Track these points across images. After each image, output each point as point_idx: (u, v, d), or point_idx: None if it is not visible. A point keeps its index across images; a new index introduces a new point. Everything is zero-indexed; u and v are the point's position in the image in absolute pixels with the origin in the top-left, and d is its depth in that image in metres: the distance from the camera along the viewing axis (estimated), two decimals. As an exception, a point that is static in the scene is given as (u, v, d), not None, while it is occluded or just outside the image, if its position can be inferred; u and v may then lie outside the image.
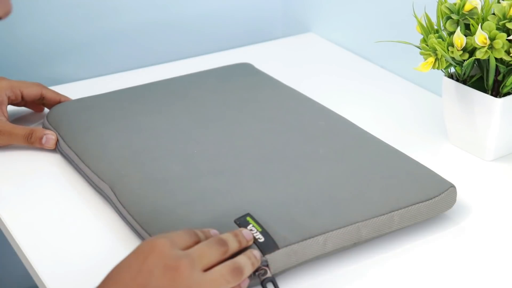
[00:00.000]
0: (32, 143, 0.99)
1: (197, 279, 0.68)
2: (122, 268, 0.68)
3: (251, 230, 0.76)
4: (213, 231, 0.75)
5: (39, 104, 1.08)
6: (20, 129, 0.99)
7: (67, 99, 1.07)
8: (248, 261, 0.72)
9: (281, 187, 0.85)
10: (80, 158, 0.93)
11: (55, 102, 1.06)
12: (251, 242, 0.75)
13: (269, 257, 0.75)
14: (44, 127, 1.01)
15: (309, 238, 0.77)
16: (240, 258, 0.72)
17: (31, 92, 1.04)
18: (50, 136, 0.99)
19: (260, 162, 0.89)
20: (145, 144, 0.93)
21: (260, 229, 0.77)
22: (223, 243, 0.72)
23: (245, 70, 1.15)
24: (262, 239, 0.76)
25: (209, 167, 0.88)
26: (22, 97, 1.04)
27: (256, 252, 0.74)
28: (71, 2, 1.22)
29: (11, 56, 1.20)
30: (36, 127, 1.01)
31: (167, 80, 1.11)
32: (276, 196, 0.83)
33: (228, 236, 0.73)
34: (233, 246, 0.73)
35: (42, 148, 0.99)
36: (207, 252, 0.70)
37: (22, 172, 0.96)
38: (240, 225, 0.77)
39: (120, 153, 0.92)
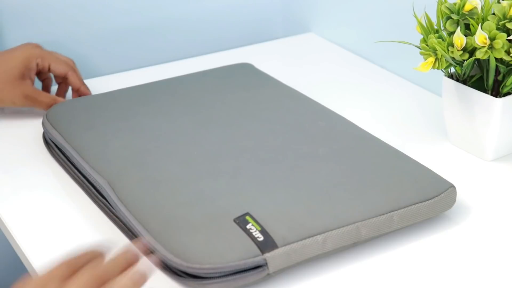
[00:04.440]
0: None
1: None
2: None
3: (250, 229, 0.77)
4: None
5: (62, 82, 1.10)
6: (45, 97, 1.05)
7: (86, 93, 1.09)
8: (128, 282, 0.63)
9: (281, 186, 0.84)
10: (80, 157, 0.93)
11: (74, 87, 1.08)
12: (137, 261, 0.66)
13: (268, 256, 0.75)
14: (43, 125, 1.00)
15: (308, 237, 0.77)
16: (118, 280, 0.64)
17: (57, 68, 1.07)
18: None
19: (260, 162, 0.89)
20: (145, 145, 0.93)
21: (259, 228, 0.77)
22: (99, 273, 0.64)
23: (245, 70, 1.15)
24: (261, 238, 0.76)
25: (209, 167, 0.88)
26: (49, 69, 1.07)
27: (141, 270, 0.65)
28: (71, 2, 1.22)
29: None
30: (59, 97, 1.06)
31: (167, 80, 1.11)
32: (276, 195, 0.83)
33: (107, 265, 0.65)
34: (112, 272, 0.64)
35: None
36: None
37: (17, 170, 0.96)
38: (239, 224, 0.77)
39: (119, 153, 0.92)
